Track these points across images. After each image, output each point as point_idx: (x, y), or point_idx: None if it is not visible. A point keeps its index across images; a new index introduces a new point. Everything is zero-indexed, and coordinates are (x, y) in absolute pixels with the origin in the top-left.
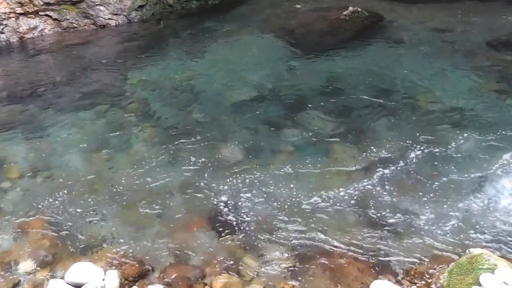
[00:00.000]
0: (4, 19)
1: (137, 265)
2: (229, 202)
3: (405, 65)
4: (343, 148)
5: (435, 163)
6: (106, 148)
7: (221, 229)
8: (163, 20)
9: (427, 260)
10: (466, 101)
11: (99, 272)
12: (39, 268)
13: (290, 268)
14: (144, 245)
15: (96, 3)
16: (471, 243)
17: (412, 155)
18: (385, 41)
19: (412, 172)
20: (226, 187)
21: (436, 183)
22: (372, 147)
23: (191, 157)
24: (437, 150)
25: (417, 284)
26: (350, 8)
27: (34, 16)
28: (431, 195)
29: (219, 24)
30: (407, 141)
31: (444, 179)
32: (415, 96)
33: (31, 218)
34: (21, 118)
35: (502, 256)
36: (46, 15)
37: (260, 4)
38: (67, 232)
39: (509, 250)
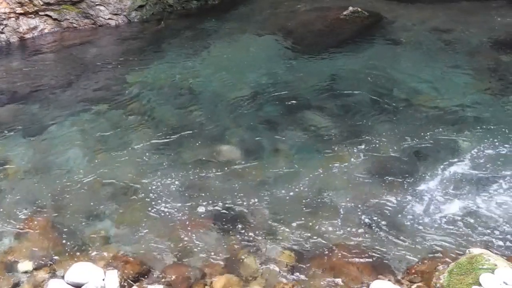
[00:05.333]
0: (4, 19)
1: (137, 265)
2: (228, 201)
3: (405, 65)
4: (342, 147)
5: (435, 162)
6: (106, 147)
7: (221, 229)
8: (164, 20)
9: (427, 260)
10: (466, 102)
11: (99, 272)
12: (39, 268)
13: (290, 268)
14: (144, 245)
15: (96, 3)
16: (471, 243)
17: (413, 155)
18: (385, 41)
19: (412, 172)
20: (225, 186)
21: (436, 182)
22: (372, 147)
23: (191, 156)
24: (437, 149)
25: (417, 284)
26: (350, 8)
27: (34, 16)
28: (431, 194)
29: (219, 24)
30: (407, 141)
31: (444, 178)
32: (415, 96)
33: (31, 218)
34: (21, 118)
35: (502, 256)
36: (46, 15)
37: (260, 4)
38: (67, 232)
39: (509, 250)
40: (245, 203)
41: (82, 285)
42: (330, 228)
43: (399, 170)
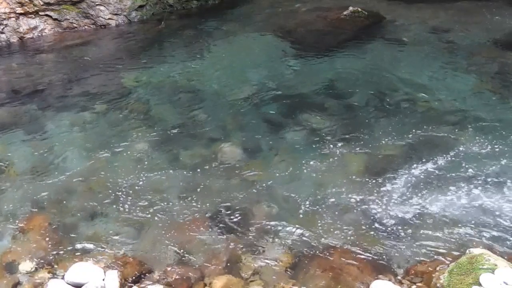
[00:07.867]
0: (4, 19)
1: (137, 265)
2: (229, 202)
3: (405, 65)
4: (342, 147)
5: (434, 162)
6: (106, 148)
7: (221, 229)
8: (164, 20)
9: (427, 260)
10: (466, 102)
11: (99, 272)
12: (39, 268)
13: (290, 268)
14: (144, 245)
15: (96, 3)
16: (471, 243)
17: (412, 154)
18: (385, 41)
19: (412, 171)
20: (225, 186)
21: (436, 182)
22: (372, 147)
23: (191, 156)
24: (437, 149)
25: (417, 284)
26: (350, 8)
27: (34, 16)
28: (431, 194)
29: (219, 24)
30: (407, 141)
31: (444, 178)
32: (415, 96)
33: (31, 218)
34: (21, 118)
35: (502, 256)
36: (46, 15)
37: (260, 4)
38: (67, 232)
39: (509, 250)
40: (245, 203)
41: (82, 285)
42: (330, 228)
43: (398, 169)
